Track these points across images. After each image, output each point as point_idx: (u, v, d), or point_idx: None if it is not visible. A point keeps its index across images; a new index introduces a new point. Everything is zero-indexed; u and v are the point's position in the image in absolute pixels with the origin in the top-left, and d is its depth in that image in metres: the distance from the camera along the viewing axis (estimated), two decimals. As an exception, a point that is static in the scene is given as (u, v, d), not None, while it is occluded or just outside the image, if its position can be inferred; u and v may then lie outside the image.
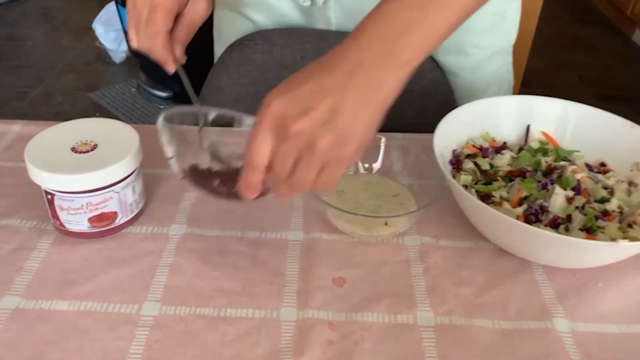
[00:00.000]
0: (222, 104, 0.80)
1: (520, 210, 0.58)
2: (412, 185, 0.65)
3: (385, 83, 0.41)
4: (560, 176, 0.61)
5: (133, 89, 2.48)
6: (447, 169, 0.62)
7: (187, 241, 0.59)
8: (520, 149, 0.68)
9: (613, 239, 0.56)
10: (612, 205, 0.59)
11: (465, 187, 0.62)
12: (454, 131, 0.66)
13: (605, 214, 0.58)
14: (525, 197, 0.60)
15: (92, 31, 2.65)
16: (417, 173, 0.65)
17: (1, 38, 2.87)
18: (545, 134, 0.70)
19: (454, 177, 0.64)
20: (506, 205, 0.59)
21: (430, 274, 0.57)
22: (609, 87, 2.58)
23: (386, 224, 0.60)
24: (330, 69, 0.41)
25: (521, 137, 0.70)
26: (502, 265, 0.58)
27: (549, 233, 0.52)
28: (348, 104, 0.40)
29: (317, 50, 0.77)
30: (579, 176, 0.61)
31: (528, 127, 0.70)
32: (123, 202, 0.58)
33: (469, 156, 0.65)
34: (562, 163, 0.63)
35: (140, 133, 0.60)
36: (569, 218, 0.58)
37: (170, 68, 0.59)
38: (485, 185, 0.62)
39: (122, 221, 0.59)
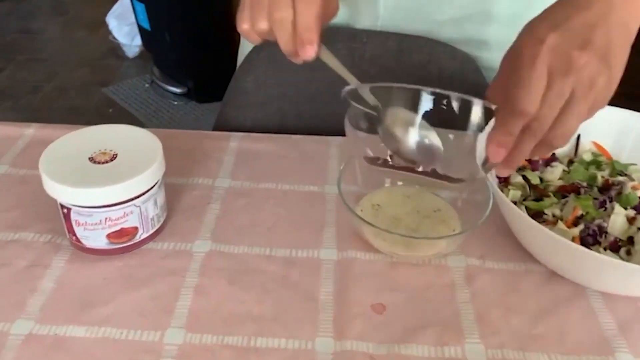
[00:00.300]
0: (247, 108, 0.75)
1: (576, 230, 0.53)
2: (455, 199, 0.60)
3: (630, 25, 0.40)
4: (619, 193, 0.56)
5: (147, 85, 2.44)
6: (494, 184, 0.57)
7: (212, 259, 0.55)
8: (571, 162, 0.63)
9: (680, 265, 0.51)
10: (678, 226, 0.54)
11: (514, 203, 0.57)
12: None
13: (671, 236, 0.53)
14: (581, 216, 0.55)
15: (105, 25, 2.61)
16: (461, 186, 0.60)
17: (14, 32, 2.85)
18: (596, 145, 0.64)
19: (502, 192, 0.58)
20: (561, 225, 0.54)
21: (478, 299, 0.52)
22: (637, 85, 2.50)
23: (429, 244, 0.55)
24: (584, 8, 0.39)
25: (571, 148, 0.65)
26: (556, 291, 0.53)
27: (609, 259, 0.47)
28: (616, 39, 0.39)
29: (350, 50, 0.72)
30: (639, 193, 0.56)
31: (578, 137, 0.65)
32: (144, 216, 0.53)
33: (517, 169, 0.60)
34: (621, 178, 0.57)
35: (160, 138, 0.55)
36: (630, 240, 0.53)
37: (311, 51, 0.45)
38: (536, 202, 0.57)
39: (142, 237, 0.54)
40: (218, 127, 0.76)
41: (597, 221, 0.53)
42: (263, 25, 0.45)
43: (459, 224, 0.58)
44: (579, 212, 0.54)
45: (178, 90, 2.34)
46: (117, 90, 2.43)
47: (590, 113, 0.42)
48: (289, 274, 0.53)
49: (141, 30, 2.35)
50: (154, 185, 0.53)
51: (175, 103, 2.33)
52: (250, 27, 0.46)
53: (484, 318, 0.50)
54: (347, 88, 0.49)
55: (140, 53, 2.60)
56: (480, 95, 0.48)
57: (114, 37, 2.60)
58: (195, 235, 0.57)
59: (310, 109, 0.75)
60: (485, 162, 0.48)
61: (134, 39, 2.56)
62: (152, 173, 0.52)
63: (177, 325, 0.48)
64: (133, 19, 2.39)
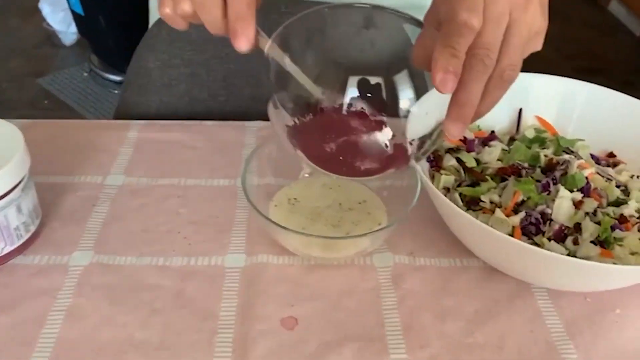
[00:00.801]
0: (150, 92, 0.66)
1: (516, 219, 0.46)
2: (381, 189, 0.52)
3: None
4: (564, 173, 0.49)
5: (85, 74, 2.30)
6: (423, 168, 0.50)
7: (92, 274, 0.46)
8: (512, 140, 0.56)
9: (633, 253, 0.45)
10: (630, 209, 0.47)
11: (447, 190, 0.50)
12: (429, 118, 0.53)
13: (622, 220, 0.46)
14: (522, 202, 0.48)
15: (39, 11, 2.44)
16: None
17: (-61, 21, 2.64)
18: (540, 119, 0.58)
19: (433, 177, 0.51)
20: (499, 213, 0.47)
21: (407, 305, 0.44)
22: (588, 59, 2.48)
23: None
24: None
25: (512, 124, 0.58)
26: (496, 290, 0.46)
27: (554, 255, 0.40)
28: None
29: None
30: (587, 172, 0.49)
31: (520, 112, 0.58)
32: (4, 226, 0.44)
33: (450, 151, 0.53)
34: (566, 157, 0.51)
35: (41, 130, 0.45)
36: (577, 228, 0.46)
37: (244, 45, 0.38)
38: (472, 187, 0.50)
39: (5, 251, 0.45)
40: (119, 115, 0.66)
41: (540, 207, 0.47)
42: (186, 6, 0.37)
43: (385, 216, 0.50)
44: (520, 198, 0.48)
45: (118, 79, 2.20)
46: (54, 81, 2.27)
47: (527, 49, 0.39)
48: (185, 289, 0.45)
49: (75, 15, 2.20)
50: (14, 188, 0.44)
51: (116, 92, 2.20)
52: (173, 11, 0.38)
53: (413, 327, 0.43)
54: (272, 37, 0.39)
55: (78, 41, 2.44)
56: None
57: (48, 24, 2.43)
58: (74, 245, 0.48)
59: (224, 91, 0.66)
60: (421, 145, 0.40)
61: (70, 25, 2.39)
62: (9, 173, 0.43)
63: (40, 358, 0.39)
64: (67, 5, 2.24)
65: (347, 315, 0.44)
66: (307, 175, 0.54)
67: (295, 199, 0.52)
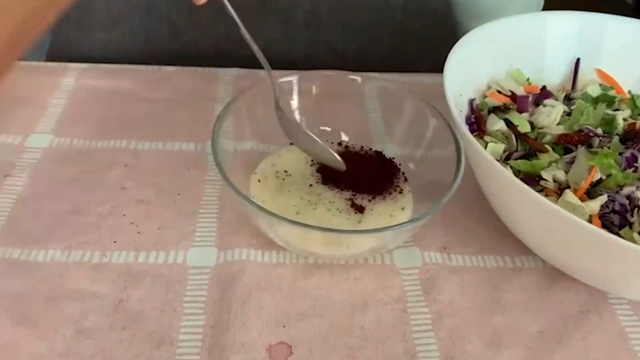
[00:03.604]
0: (93, 28, 0.51)
1: (595, 205, 0.33)
2: (405, 159, 0.39)
3: None
4: (653, 144, 0.36)
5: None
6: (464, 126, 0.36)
7: (-8, 277, 0.31)
8: (568, 98, 0.43)
9: None
10: None
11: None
12: (468, 69, 0.40)
13: None
14: (598, 182, 0.35)
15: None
16: (415, 139, 0.39)
17: None
18: (602, 74, 0.45)
19: (475, 145, 0.38)
20: (570, 196, 0.34)
21: (445, 325, 0.32)
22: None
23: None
24: None
25: (565, 78, 0.45)
26: (564, 302, 0.34)
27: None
28: None
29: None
30: (682, 143, 0.36)
31: (577, 63, 0.44)
32: None
33: (495, 110, 0.40)
34: (651, 121, 0.38)
35: None
36: (676, 218, 0.34)
37: None
38: (527, 160, 0.37)
39: None
40: (52, 57, 0.51)
41: (627, 189, 0.34)
42: None
43: (411, 198, 0.37)
44: (597, 176, 0.35)
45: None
46: None
47: None
48: (129, 299, 0.31)
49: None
50: None
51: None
52: None
53: (455, 358, 0.30)
54: None
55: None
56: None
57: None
58: (-31, 233, 0.33)
59: (190, 27, 0.51)
60: None
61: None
62: None
63: None
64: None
65: (361, 339, 0.31)
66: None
67: (285, 171, 0.38)
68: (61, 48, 0.50)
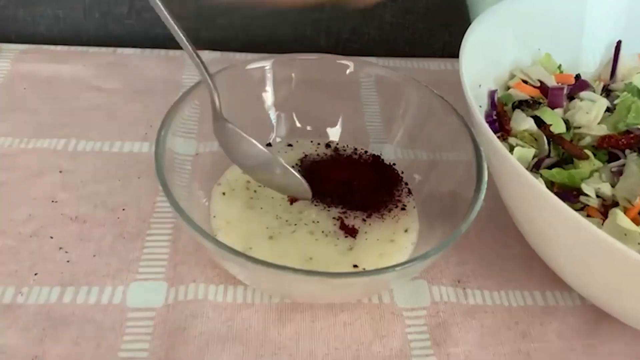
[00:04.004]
0: (38, 2, 0.42)
1: (653, 230, 0.26)
2: (409, 166, 0.31)
3: None
4: None
5: None
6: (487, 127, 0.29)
7: None
8: (607, 90, 0.35)
9: None
10: None
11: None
12: (488, 54, 0.32)
13: None
14: (655, 198, 0.27)
15: None
16: (421, 141, 0.31)
17: None
18: (647, 59, 0.37)
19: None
20: (619, 216, 0.26)
21: (459, 387, 0.24)
22: None
23: (355, 266, 0.26)
24: None
25: (603, 65, 0.37)
26: (611, 352, 0.26)
27: None
28: None
29: None
30: None
31: (618, 47, 0.37)
32: None
33: (522, 104, 0.32)
34: None
35: None
36: None
37: None
38: (563, 169, 0.29)
39: None
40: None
41: (695, 210, 0.26)
42: None
43: (415, 215, 0.29)
44: (655, 191, 0.27)
45: None
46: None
47: None
48: (45, 355, 0.24)
49: None
50: None
51: None
52: None
53: None
54: None
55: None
56: None
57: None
58: None
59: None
60: None
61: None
62: None
63: None
64: None
65: (351, 411, 0.23)
66: (279, 139, 0.32)
67: (250, 182, 0.30)
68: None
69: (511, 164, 0.24)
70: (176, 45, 0.42)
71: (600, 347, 0.26)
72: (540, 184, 0.24)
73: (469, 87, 0.27)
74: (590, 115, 0.31)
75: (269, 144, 0.32)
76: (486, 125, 0.26)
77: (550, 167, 0.30)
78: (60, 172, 0.31)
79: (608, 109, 0.33)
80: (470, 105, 0.27)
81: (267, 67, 0.30)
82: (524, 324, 0.27)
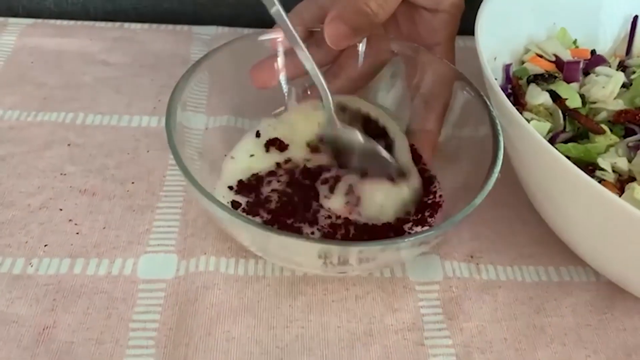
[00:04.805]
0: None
1: (672, 205, 0.26)
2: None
3: None
4: None
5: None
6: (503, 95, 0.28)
7: None
8: (623, 66, 0.34)
9: None
10: None
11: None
12: (503, 27, 0.31)
13: None
14: (674, 174, 0.27)
15: None
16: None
17: None
18: (664, 35, 0.36)
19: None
20: (637, 190, 0.26)
21: (473, 361, 0.24)
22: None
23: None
24: None
25: (618, 41, 0.37)
26: (625, 328, 0.26)
27: None
28: None
29: None
30: None
31: (635, 22, 0.36)
32: None
33: (537, 78, 0.31)
34: None
35: None
36: None
37: None
38: (578, 144, 0.29)
39: None
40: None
41: None
42: None
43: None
44: (673, 167, 0.27)
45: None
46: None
47: None
48: (57, 324, 0.24)
49: None
50: None
51: None
52: None
53: (489, 409, 0.23)
54: None
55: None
56: None
57: None
58: None
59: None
60: None
61: None
62: None
63: None
64: None
65: (364, 383, 0.23)
66: (295, 104, 0.31)
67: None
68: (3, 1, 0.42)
69: (529, 134, 0.24)
70: (183, 21, 0.42)
71: (614, 322, 0.26)
72: (560, 154, 0.23)
73: (486, 59, 0.27)
74: (606, 89, 0.31)
75: None
76: (504, 96, 0.25)
77: (565, 142, 0.29)
78: (69, 145, 0.31)
79: (624, 85, 0.32)
80: (487, 76, 0.26)
81: (279, 39, 0.30)
82: (538, 299, 0.27)
